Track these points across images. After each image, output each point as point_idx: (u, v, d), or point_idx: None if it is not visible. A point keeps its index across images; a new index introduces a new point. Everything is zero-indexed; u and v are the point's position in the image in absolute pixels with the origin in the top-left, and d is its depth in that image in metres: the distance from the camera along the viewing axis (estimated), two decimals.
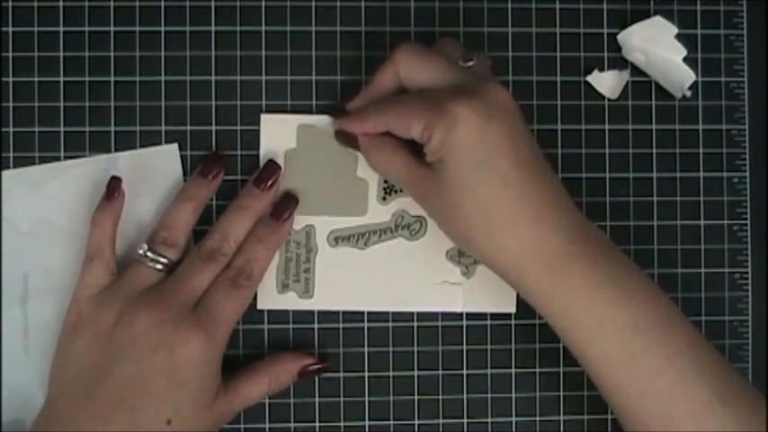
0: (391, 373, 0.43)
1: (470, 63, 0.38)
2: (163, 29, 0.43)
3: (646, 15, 0.44)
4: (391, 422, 0.43)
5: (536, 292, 0.36)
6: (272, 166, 0.42)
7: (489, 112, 0.35)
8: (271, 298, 0.43)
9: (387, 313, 0.43)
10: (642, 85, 0.45)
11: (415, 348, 0.43)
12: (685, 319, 0.36)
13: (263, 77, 0.43)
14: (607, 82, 0.44)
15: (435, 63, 0.37)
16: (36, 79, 0.43)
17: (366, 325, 0.43)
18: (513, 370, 0.44)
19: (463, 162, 0.35)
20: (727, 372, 0.35)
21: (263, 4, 0.43)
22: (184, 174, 0.43)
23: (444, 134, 0.35)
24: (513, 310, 0.43)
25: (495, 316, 0.43)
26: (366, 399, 0.43)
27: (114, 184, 0.41)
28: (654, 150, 0.45)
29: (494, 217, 0.35)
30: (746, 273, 0.45)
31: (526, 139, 0.36)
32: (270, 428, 0.43)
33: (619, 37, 0.44)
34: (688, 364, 0.34)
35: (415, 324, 0.43)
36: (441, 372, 0.43)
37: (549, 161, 0.37)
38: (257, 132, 0.43)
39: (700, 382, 0.34)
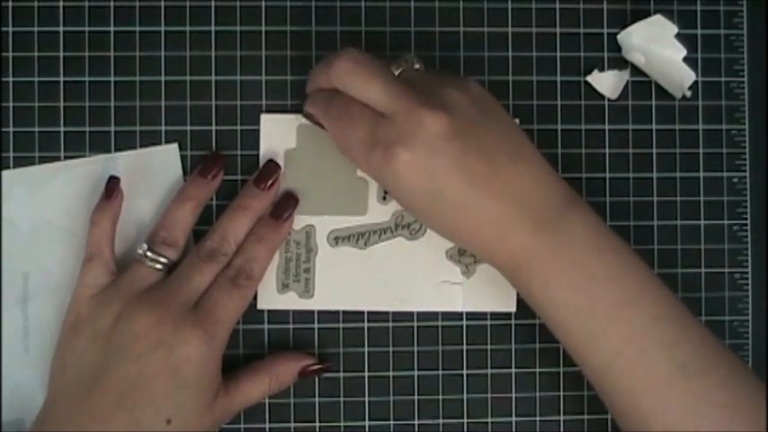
0: (391, 373, 0.43)
1: (400, 70, 0.37)
2: (163, 29, 0.43)
3: (646, 15, 0.44)
4: (391, 422, 0.43)
5: (508, 279, 0.37)
6: (272, 165, 0.42)
7: (429, 152, 0.34)
8: (271, 298, 0.43)
9: (387, 313, 0.43)
10: (642, 85, 0.45)
11: (415, 348, 0.43)
12: (659, 293, 0.36)
13: (263, 77, 0.43)
14: (607, 82, 0.44)
15: (370, 84, 0.36)
16: (36, 79, 0.43)
17: (366, 325, 0.43)
18: (513, 370, 0.44)
19: (416, 199, 0.36)
20: (700, 344, 0.35)
21: (264, 4, 0.43)
22: (184, 174, 0.43)
23: (391, 183, 0.36)
24: (513, 309, 0.43)
25: (495, 316, 0.43)
26: (366, 399, 0.43)
27: (113, 184, 0.41)
28: (654, 150, 0.45)
29: (458, 233, 0.37)
30: (746, 273, 0.45)
31: (476, 148, 0.35)
32: (270, 428, 0.43)
33: (619, 37, 0.44)
34: (651, 341, 0.34)
35: (415, 324, 0.43)
36: (441, 372, 0.43)
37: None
38: (257, 132, 0.43)
39: (662, 358, 0.34)
